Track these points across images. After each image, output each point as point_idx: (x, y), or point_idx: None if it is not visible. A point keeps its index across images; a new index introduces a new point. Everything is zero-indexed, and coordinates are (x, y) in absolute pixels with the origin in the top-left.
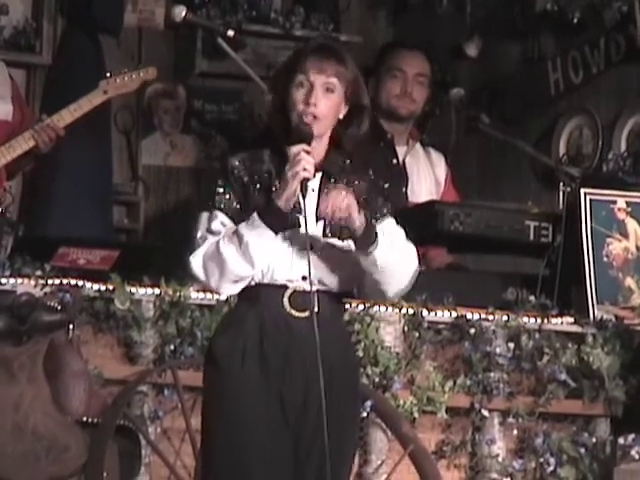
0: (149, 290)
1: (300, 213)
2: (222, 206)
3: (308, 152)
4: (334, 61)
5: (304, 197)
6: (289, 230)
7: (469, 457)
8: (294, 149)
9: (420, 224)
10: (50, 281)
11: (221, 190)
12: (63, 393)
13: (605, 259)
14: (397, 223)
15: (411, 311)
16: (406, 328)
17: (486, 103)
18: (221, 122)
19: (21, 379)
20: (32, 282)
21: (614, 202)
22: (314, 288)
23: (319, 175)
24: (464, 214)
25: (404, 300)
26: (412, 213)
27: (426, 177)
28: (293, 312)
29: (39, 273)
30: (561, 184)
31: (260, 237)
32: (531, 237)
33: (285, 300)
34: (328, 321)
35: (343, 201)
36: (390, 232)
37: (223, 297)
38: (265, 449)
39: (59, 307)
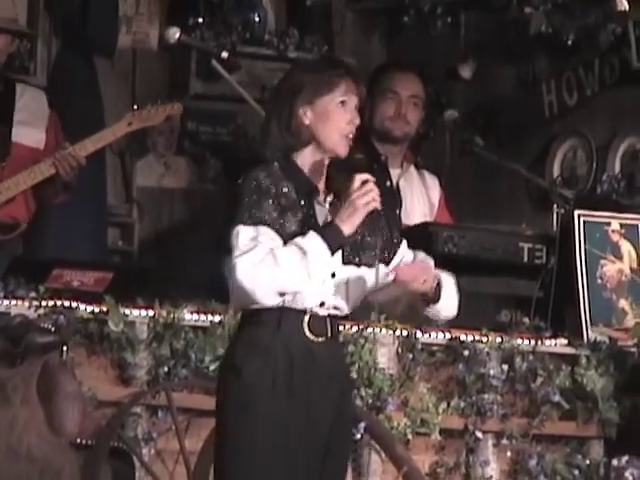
0: (143, 312)
1: None
2: (262, 219)
3: (375, 183)
4: (361, 83)
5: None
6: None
7: (463, 479)
8: (361, 177)
9: (414, 246)
10: (44, 303)
11: (256, 204)
12: (57, 415)
13: (599, 281)
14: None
15: (405, 333)
16: (400, 350)
17: (480, 125)
18: (215, 144)
19: (15, 401)
20: (26, 304)
21: (608, 224)
22: (326, 312)
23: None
24: (458, 236)
25: (398, 322)
26: (406, 235)
27: (420, 199)
28: (312, 337)
29: (33, 295)
30: (555, 206)
31: (322, 255)
32: (525, 259)
33: (305, 325)
34: (336, 345)
35: (423, 276)
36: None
37: (217, 319)
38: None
39: (53, 329)
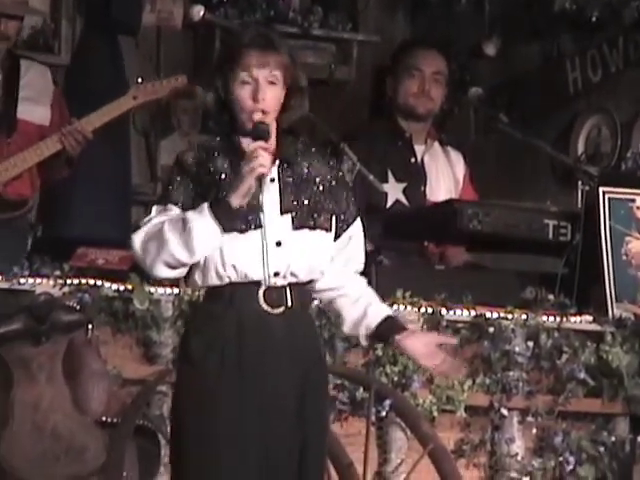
0: (168, 290)
1: (262, 211)
2: (174, 199)
3: (265, 149)
4: (272, 51)
5: (261, 193)
6: (257, 229)
7: (488, 456)
8: (251, 146)
9: (439, 223)
10: (69, 281)
11: (175, 184)
12: (82, 393)
13: (624, 257)
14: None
15: (430, 310)
16: (425, 327)
17: (505, 102)
18: None
19: (40, 379)
20: (51, 282)
21: (633, 200)
22: (286, 282)
23: (277, 163)
24: (483, 213)
25: (423, 299)
26: (431, 212)
27: (445, 176)
28: (268, 309)
29: (58, 273)
30: (580, 183)
31: (206, 229)
32: (550, 236)
33: (260, 296)
34: (300, 315)
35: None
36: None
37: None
38: (239, 450)
39: (78, 307)
